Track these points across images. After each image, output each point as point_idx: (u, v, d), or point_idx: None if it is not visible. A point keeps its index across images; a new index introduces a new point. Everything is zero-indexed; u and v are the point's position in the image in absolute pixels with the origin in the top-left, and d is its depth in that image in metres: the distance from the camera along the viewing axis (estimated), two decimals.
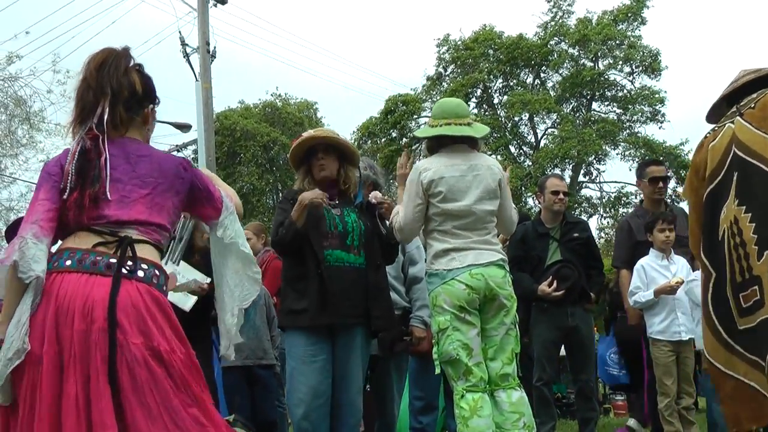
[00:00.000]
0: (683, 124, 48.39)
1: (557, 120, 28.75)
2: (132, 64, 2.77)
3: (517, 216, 4.40)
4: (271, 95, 33.67)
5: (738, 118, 3.45)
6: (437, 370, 4.01)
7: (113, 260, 2.49)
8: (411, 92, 30.14)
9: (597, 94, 29.61)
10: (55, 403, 2.34)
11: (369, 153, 27.83)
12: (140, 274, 2.51)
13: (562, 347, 5.99)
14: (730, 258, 3.32)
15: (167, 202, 2.69)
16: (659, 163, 6.78)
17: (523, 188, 25.72)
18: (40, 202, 2.56)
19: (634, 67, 29.20)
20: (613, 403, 9.82)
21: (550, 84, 30.53)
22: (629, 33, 29.11)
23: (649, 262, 5.63)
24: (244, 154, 29.94)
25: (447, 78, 30.40)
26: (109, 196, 2.56)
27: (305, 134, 4.26)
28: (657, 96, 28.69)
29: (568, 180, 27.52)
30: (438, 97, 29.43)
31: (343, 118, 49.74)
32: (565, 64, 29.52)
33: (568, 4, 30.40)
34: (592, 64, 29.26)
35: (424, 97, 30.03)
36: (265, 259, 6.45)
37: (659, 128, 28.79)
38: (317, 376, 3.91)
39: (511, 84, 30.47)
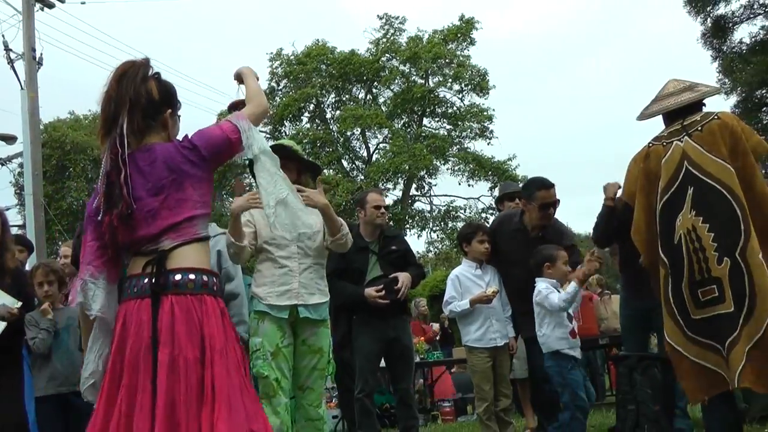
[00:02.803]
0: (510, 140, 50.48)
1: (389, 135, 29.34)
2: (151, 73, 2.93)
3: None
4: None
5: (687, 138, 4.03)
6: None
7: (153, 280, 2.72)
8: None
9: (428, 110, 30.43)
10: (110, 411, 2.61)
11: None
12: (174, 286, 2.69)
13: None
14: (689, 259, 3.93)
15: (186, 191, 2.79)
16: (549, 187, 5.61)
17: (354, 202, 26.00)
18: (89, 245, 2.82)
19: (463, 85, 30.26)
20: (441, 410, 9.99)
21: (381, 99, 31.14)
22: (459, 53, 30.16)
23: (463, 272, 5.82)
24: (73, 168, 28.24)
25: (280, 92, 30.42)
26: (136, 215, 2.72)
27: None
28: (485, 113, 29.88)
29: (399, 194, 28.12)
30: (271, 112, 29.39)
31: None
32: (397, 81, 30.21)
33: (400, 22, 31.19)
34: (422, 81, 30.08)
35: None
36: None
37: (488, 144, 30.08)
38: None
39: (344, 99, 30.90)
